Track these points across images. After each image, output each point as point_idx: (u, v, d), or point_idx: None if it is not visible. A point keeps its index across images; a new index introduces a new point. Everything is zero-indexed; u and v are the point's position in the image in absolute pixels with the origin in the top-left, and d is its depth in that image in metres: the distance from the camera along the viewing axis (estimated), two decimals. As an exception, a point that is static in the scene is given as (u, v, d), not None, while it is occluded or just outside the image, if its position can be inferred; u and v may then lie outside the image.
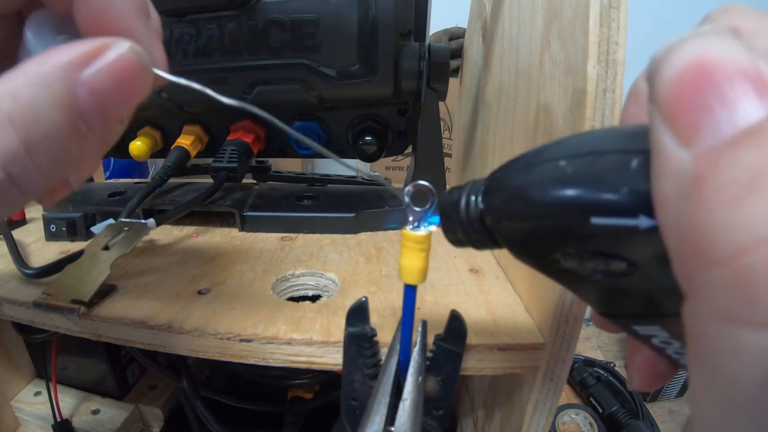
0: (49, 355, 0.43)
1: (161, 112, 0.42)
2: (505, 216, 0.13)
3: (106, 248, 0.29)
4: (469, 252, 0.34)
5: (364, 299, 0.22)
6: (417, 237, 0.18)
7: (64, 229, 0.36)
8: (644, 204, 0.09)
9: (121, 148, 0.45)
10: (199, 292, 0.27)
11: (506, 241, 0.14)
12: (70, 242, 0.36)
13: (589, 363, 0.61)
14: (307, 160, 0.90)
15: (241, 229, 0.38)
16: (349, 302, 0.22)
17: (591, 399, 0.56)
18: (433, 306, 0.26)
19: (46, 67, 0.13)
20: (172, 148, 0.40)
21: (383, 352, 0.22)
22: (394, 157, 0.62)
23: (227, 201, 0.39)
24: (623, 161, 0.10)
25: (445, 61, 0.36)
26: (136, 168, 0.74)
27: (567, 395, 0.59)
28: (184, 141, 0.41)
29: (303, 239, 0.36)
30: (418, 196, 0.18)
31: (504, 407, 0.29)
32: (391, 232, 0.38)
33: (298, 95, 0.37)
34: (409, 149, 0.42)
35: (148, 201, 0.38)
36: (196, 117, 0.42)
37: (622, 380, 0.58)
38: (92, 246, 0.29)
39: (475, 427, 0.36)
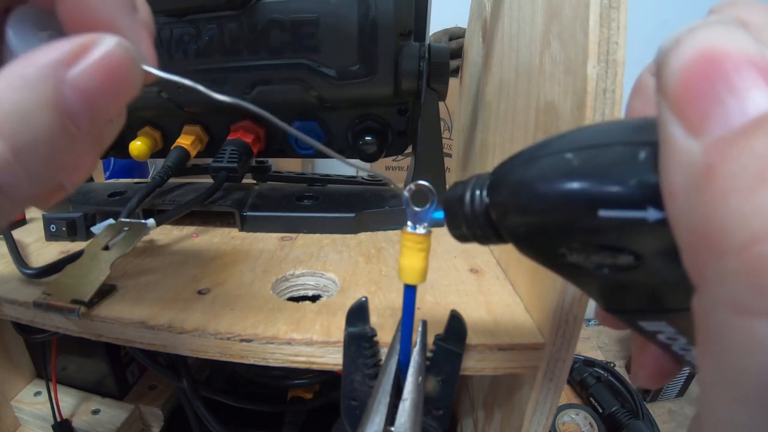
0: (49, 355, 0.43)
1: (161, 112, 0.42)
2: (510, 210, 0.13)
3: (106, 248, 0.29)
4: (469, 252, 0.34)
5: (364, 299, 0.22)
6: (417, 237, 0.18)
7: (64, 229, 0.36)
8: (652, 196, 0.09)
9: (121, 148, 0.45)
10: (199, 292, 0.27)
11: (511, 236, 0.14)
12: (70, 242, 0.36)
13: (589, 363, 0.61)
14: (307, 160, 0.90)
15: (241, 229, 0.38)
16: (349, 302, 0.22)
17: (591, 399, 0.56)
18: (433, 306, 0.26)
19: (30, 69, 0.12)
20: (172, 148, 0.40)
21: (383, 352, 0.22)
22: (394, 157, 0.62)
23: (227, 201, 0.39)
24: (630, 153, 0.10)
25: (445, 61, 0.36)
26: (136, 168, 0.74)
27: (567, 395, 0.59)
28: (184, 141, 0.41)
29: (303, 239, 0.36)
30: (418, 196, 0.18)
31: (504, 407, 0.29)
32: (391, 232, 0.38)
33: (298, 95, 0.37)
34: (409, 149, 0.42)
35: (148, 201, 0.38)
36: (196, 117, 0.42)
37: (622, 380, 0.58)
38: (92, 246, 0.29)
39: (475, 427, 0.36)
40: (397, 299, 0.27)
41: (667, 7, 0.96)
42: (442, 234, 0.38)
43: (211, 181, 0.38)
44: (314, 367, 0.23)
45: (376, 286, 0.29)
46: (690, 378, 0.57)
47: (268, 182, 0.50)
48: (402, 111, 0.40)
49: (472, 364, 0.23)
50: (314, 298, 0.28)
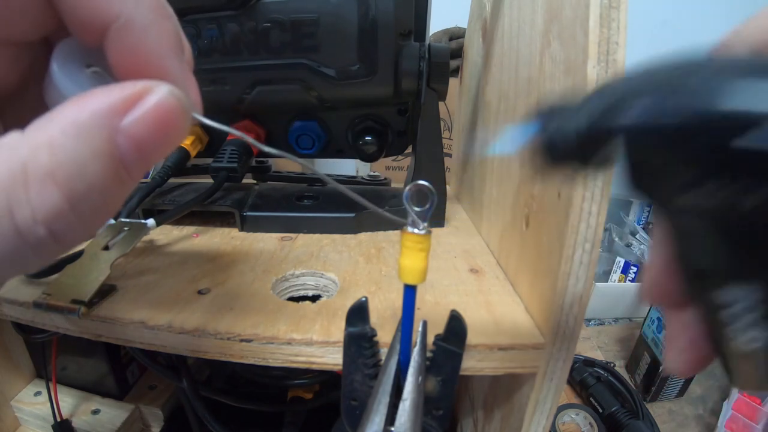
0: (49, 355, 0.43)
1: (161, 112, 0.42)
2: (638, 133, 0.11)
3: (106, 248, 0.29)
4: (469, 252, 0.34)
5: (364, 299, 0.22)
6: (417, 237, 0.18)
7: (64, 229, 0.35)
8: None
9: (121, 148, 0.45)
10: (199, 292, 0.27)
11: (628, 165, 0.12)
12: (70, 242, 0.36)
13: (589, 363, 0.61)
14: (307, 160, 0.90)
15: (241, 229, 0.38)
16: (349, 302, 0.22)
17: (591, 399, 0.56)
18: (433, 306, 0.26)
19: (84, 115, 0.12)
20: (172, 148, 0.40)
21: (383, 352, 0.22)
22: (394, 157, 0.62)
23: (227, 201, 0.39)
24: None
25: (445, 61, 0.36)
26: (136, 168, 0.74)
27: (567, 395, 0.59)
28: (184, 141, 0.41)
29: (303, 239, 0.36)
30: (418, 196, 0.18)
31: (504, 407, 0.29)
32: (391, 232, 0.38)
33: (298, 95, 0.37)
34: (409, 149, 0.42)
35: (148, 201, 0.38)
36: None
37: (622, 380, 0.58)
38: (92, 246, 0.29)
39: (475, 427, 0.36)
40: (397, 299, 0.27)
41: (667, 7, 0.96)
42: (442, 234, 0.38)
43: (211, 181, 0.38)
44: (314, 367, 0.23)
45: (376, 286, 0.29)
46: (690, 378, 0.57)
47: (268, 182, 0.50)
48: (402, 111, 0.40)
49: (472, 364, 0.23)
50: (314, 298, 0.28)
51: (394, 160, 0.90)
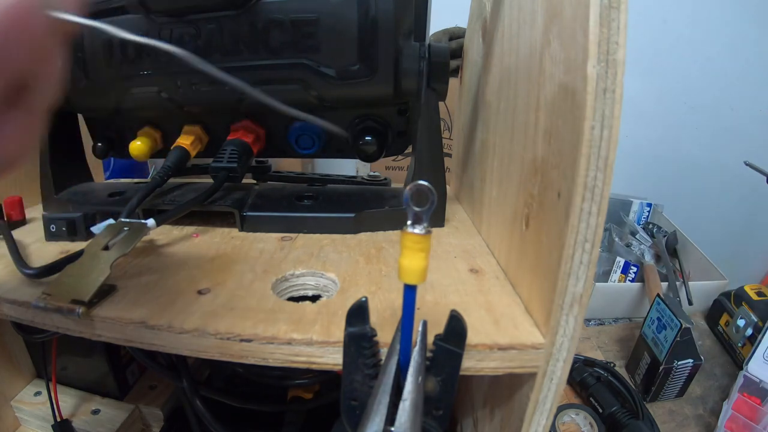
0: (49, 355, 0.43)
1: (161, 112, 0.42)
2: None
3: (106, 248, 0.29)
4: (469, 252, 0.34)
5: (364, 299, 0.22)
6: (417, 237, 0.18)
7: (64, 229, 0.36)
8: None
9: (121, 148, 0.45)
10: (199, 292, 0.27)
11: None
12: (70, 242, 0.36)
13: (589, 363, 0.61)
14: (307, 160, 0.90)
15: (241, 229, 0.38)
16: (349, 302, 0.22)
17: (591, 399, 0.56)
18: (433, 306, 0.26)
19: None
20: (172, 148, 0.40)
21: (383, 352, 0.22)
22: (394, 157, 0.62)
23: (227, 201, 0.39)
24: None
25: (445, 61, 0.36)
26: (136, 168, 0.74)
27: (567, 395, 0.59)
28: (184, 141, 0.41)
29: (303, 239, 0.36)
30: (418, 196, 0.18)
31: (504, 407, 0.29)
32: (391, 231, 0.38)
33: (298, 95, 0.37)
34: (409, 149, 0.42)
35: (148, 201, 0.38)
36: (196, 117, 0.42)
37: (622, 380, 0.58)
38: (92, 246, 0.29)
39: (475, 427, 0.36)
40: (397, 299, 0.27)
41: (667, 7, 0.96)
42: (442, 234, 0.38)
43: (211, 181, 0.38)
44: (314, 367, 0.23)
45: (376, 286, 0.29)
46: (690, 378, 0.57)
47: (268, 182, 0.50)
48: (402, 111, 0.40)
49: (472, 364, 0.23)
50: (314, 298, 0.28)
51: (394, 160, 0.90)
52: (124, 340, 0.25)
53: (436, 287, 0.29)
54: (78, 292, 0.25)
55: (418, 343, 0.21)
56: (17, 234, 0.37)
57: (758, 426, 0.51)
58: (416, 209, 0.18)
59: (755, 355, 0.55)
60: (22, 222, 0.41)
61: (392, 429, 0.18)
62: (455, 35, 0.84)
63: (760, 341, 0.56)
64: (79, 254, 0.29)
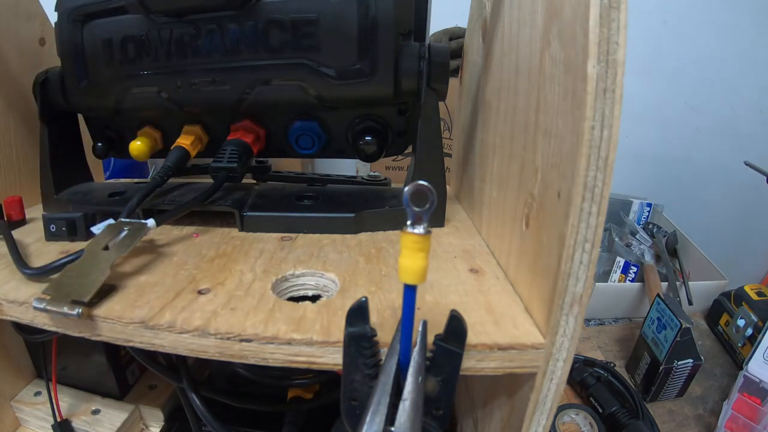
0: (49, 355, 0.43)
1: (161, 112, 0.42)
2: None
3: (106, 248, 0.29)
4: (469, 252, 0.34)
5: (364, 299, 0.22)
6: (417, 237, 0.18)
7: (64, 229, 0.36)
8: None
9: (121, 148, 0.45)
10: (199, 292, 0.27)
11: None
12: (70, 242, 0.36)
13: (589, 363, 0.61)
14: (307, 160, 0.90)
15: (241, 229, 0.38)
16: (349, 302, 0.22)
17: (591, 399, 0.56)
18: (433, 306, 0.26)
19: None
20: (172, 148, 0.40)
21: (383, 352, 0.22)
22: (394, 157, 0.62)
23: (227, 201, 0.39)
24: None
25: (445, 61, 0.36)
26: (136, 168, 0.74)
27: (567, 395, 0.59)
28: (184, 141, 0.41)
29: (303, 239, 0.36)
30: (418, 196, 0.18)
31: (504, 407, 0.29)
32: (391, 232, 0.38)
33: (298, 95, 0.37)
34: (409, 149, 0.42)
35: (148, 201, 0.38)
36: (196, 117, 0.42)
37: (622, 380, 0.58)
38: (92, 246, 0.29)
39: (475, 427, 0.36)
40: (397, 299, 0.27)
41: (667, 7, 0.96)
42: (442, 234, 0.38)
43: (211, 181, 0.38)
44: (314, 367, 0.23)
45: (376, 286, 0.29)
46: (690, 378, 0.57)
47: (268, 182, 0.50)
48: (402, 111, 0.40)
49: (472, 364, 0.23)
50: (314, 298, 0.28)
51: (394, 160, 0.90)
52: (124, 340, 0.25)
53: (436, 287, 0.29)
54: (78, 292, 0.25)
55: (418, 343, 0.21)
56: (17, 234, 0.37)
57: (758, 426, 0.51)
58: (416, 209, 0.18)
59: (755, 355, 0.55)
60: (22, 222, 0.41)
61: (392, 429, 0.18)
62: (455, 35, 0.84)
63: (760, 341, 0.56)
64: (79, 254, 0.29)
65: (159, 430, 0.47)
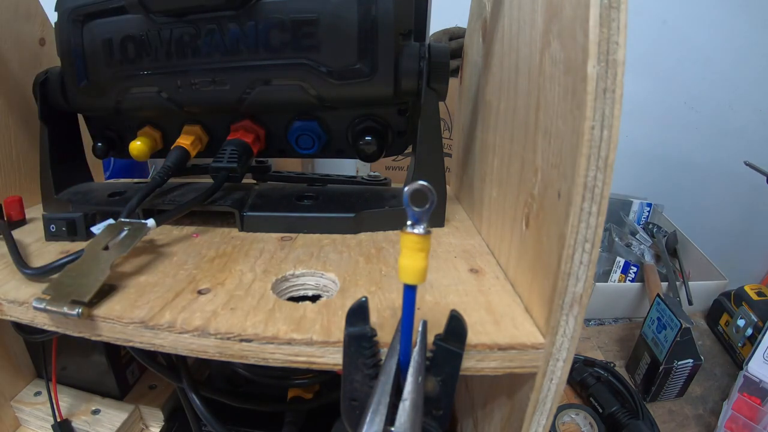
0: (49, 355, 0.43)
1: (161, 112, 0.42)
2: None
3: (106, 248, 0.29)
4: (469, 252, 0.34)
5: (364, 299, 0.22)
6: (417, 237, 0.18)
7: (64, 229, 0.36)
8: None
9: (121, 148, 0.45)
10: (199, 292, 0.27)
11: None
12: (70, 242, 0.36)
13: (589, 363, 0.61)
14: (307, 160, 0.90)
15: (241, 229, 0.38)
16: (349, 302, 0.22)
17: (591, 399, 0.56)
18: (433, 306, 0.26)
19: None
20: (172, 148, 0.40)
21: (383, 352, 0.22)
22: (394, 157, 0.62)
23: (227, 201, 0.39)
24: None
25: (445, 61, 0.36)
26: (136, 168, 0.74)
27: (567, 395, 0.59)
28: (184, 141, 0.41)
29: (303, 239, 0.36)
30: (418, 197, 0.18)
31: (504, 407, 0.29)
32: (391, 232, 0.38)
33: (297, 95, 0.37)
34: (409, 149, 0.42)
35: (148, 201, 0.38)
36: (196, 117, 0.42)
37: (622, 380, 0.58)
38: (92, 246, 0.29)
39: (475, 427, 0.36)
40: (397, 299, 0.27)
41: (667, 7, 0.96)
42: (442, 234, 0.38)
43: (211, 181, 0.38)
44: (314, 367, 0.23)
45: (376, 286, 0.29)
46: (690, 378, 0.57)
47: (268, 182, 0.50)
48: (402, 111, 0.40)
49: (472, 364, 0.23)
50: (314, 298, 0.28)
51: (394, 160, 0.90)
52: (124, 340, 0.25)
53: (436, 287, 0.29)
54: (78, 292, 0.25)
55: (418, 343, 0.21)
56: (17, 234, 0.37)
57: (758, 426, 0.51)
58: (416, 209, 0.18)
59: (755, 355, 0.55)
60: (22, 222, 0.41)
61: (392, 429, 0.18)
62: (455, 35, 0.84)
63: (760, 341, 0.56)
64: (79, 254, 0.29)
65: (159, 430, 0.47)
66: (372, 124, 0.40)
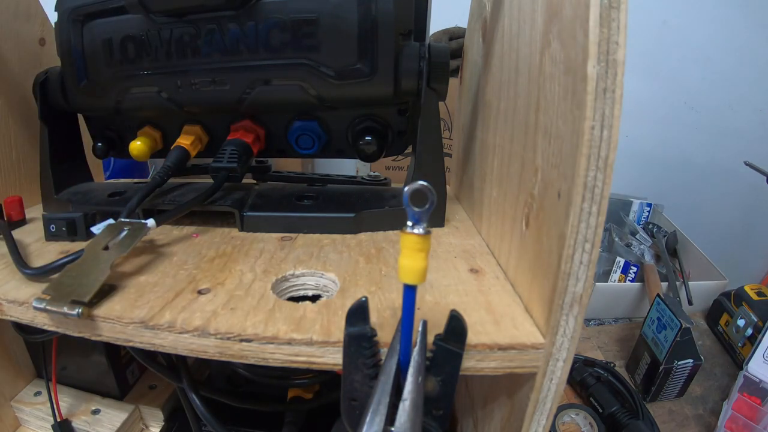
0: (49, 355, 0.43)
1: (161, 112, 0.42)
2: None
3: (106, 248, 0.29)
4: (469, 252, 0.34)
5: (364, 299, 0.22)
6: (417, 238, 0.18)
7: (64, 229, 0.36)
8: None
9: (121, 148, 0.45)
10: (199, 292, 0.27)
11: None
12: (70, 242, 0.36)
13: (589, 363, 0.61)
14: (307, 160, 0.90)
15: (241, 229, 0.38)
16: (349, 302, 0.22)
17: (591, 399, 0.56)
18: (433, 306, 0.26)
19: None
20: (172, 148, 0.40)
21: (383, 352, 0.22)
22: (394, 157, 0.62)
23: (227, 201, 0.39)
24: None
25: (445, 61, 0.36)
26: (136, 168, 0.74)
27: (567, 395, 0.59)
28: (184, 141, 0.41)
29: (303, 239, 0.36)
30: (418, 197, 0.18)
31: (504, 407, 0.29)
32: (391, 232, 0.38)
33: (297, 95, 0.37)
34: (409, 149, 0.42)
35: (148, 201, 0.38)
36: (196, 117, 0.42)
37: (622, 380, 0.58)
38: (92, 246, 0.29)
39: (475, 427, 0.36)
40: (397, 299, 0.27)
41: (667, 7, 0.96)
42: (442, 234, 0.38)
43: (211, 181, 0.38)
44: (314, 367, 0.23)
45: (376, 286, 0.29)
46: (690, 378, 0.57)
47: (268, 182, 0.50)
48: (402, 111, 0.40)
49: (472, 364, 0.23)
50: (314, 298, 0.28)
51: (394, 160, 0.90)
52: (124, 340, 0.25)
53: (436, 287, 0.29)
54: (78, 292, 0.25)
55: (418, 343, 0.21)
56: (17, 234, 0.37)
57: (758, 426, 0.51)
58: (416, 209, 0.18)
59: (755, 355, 0.55)
60: (22, 222, 0.41)
61: (392, 429, 0.18)
62: (455, 35, 0.84)
63: (760, 341, 0.56)
64: (79, 254, 0.29)
65: (159, 430, 0.47)
66: (372, 124, 0.40)
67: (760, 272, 1.03)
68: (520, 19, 0.28)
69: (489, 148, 0.36)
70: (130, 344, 0.25)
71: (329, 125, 0.41)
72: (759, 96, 1.01)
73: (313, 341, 0.23)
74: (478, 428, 0.35)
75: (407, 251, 0.18)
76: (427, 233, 0.18)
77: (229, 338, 0.23)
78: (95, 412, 0.46)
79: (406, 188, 0.18)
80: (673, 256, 0.84)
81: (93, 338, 0.26)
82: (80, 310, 0.24)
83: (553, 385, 0.23)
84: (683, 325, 0.54)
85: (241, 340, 0.23)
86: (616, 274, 0.81)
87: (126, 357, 0.48)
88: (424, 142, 0.37)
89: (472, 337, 0.23)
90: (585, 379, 0.58)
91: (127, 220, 0.32)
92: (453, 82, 0.40)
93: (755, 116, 1.02)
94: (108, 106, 0.40)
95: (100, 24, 0.37)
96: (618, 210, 0.96)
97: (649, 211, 0.96)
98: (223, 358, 0.24)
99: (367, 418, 0.18)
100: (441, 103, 0.38)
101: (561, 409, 0.55)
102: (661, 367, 0.56)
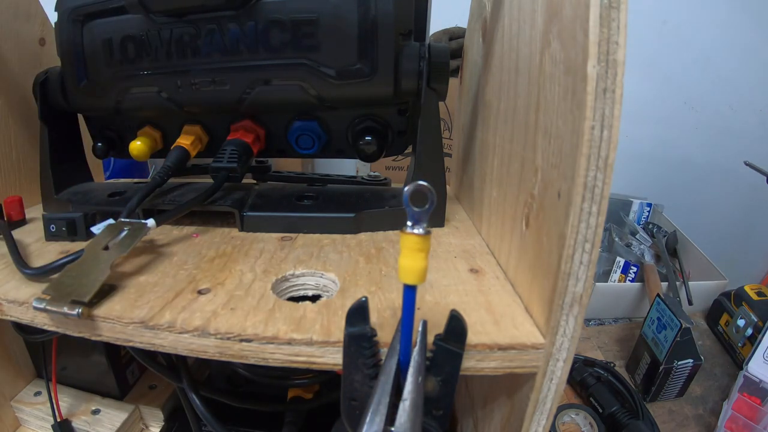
0: (49, 355, 0.43)
1: (161, 112, 0.42)
2: None
3: (106, 248, 0.29)
4: (469, 252, 0.34)
5: (364, 299, 0.22)
6: (416, 238, 0.18)
7: (64, 229, 0.36)
8: None
9: (121, 148, 0.45)
10: (199, 292, 0.27)
11: None
12: (70, 242, 0.36)
13: (589, 363, 0.61)
14: (307, 160, 0.90)
15: (241, 229, 0.38)
16: (349, 302, 0.22)
17: (591, 399, 0.56)
18: (433, 306, 0.26)
19: None
20: (172, 148, 0.40)
21: (383, 352, 0.22)
22: (394, 157, 0.62)
23: (227, 201, 0.39)
24: None
25: (445, 61, 0.36)
26: (136, 168, 0.74)
27: (567, 395, 0.59)
28: (184, 141, 0.41)
29: (303, 239, 0.36)
30: (418, 197, 0.18)
31: (504, 407, 0.29)
32: (391, 232, 0.38)
33: (297, 95, 0.37)
34: (409, 149, 0.42)
35: (148, 201, 0.38)
36: (196, 117, 0.42)
37: (622, 380, 0.58)
38: (92, 246, 0.29)
39: (475, 427, 0.36)
40: (397, 299, 0.27)
41: (667, 7, 0.96)
42: (442, 234, 0.38)
43: (211, 181, 0.38)
44: (314, 367, 0.23)
45: (376, 286, 0.29)
46: (690, 378, 0.57)
47: (268, 182, 0.50)
48: (402, 111, 0.40)
49: (472, 364, 0.23)
50: (314, 298, 0.28)
51: (394, 160, 0.90)
52: (124, 340, 0.25)
53: (436, 287, 0.29)
54: (78, 292, 0.25)
55: (418, 343, 0.21)
56: (17, 234, 0.37)
57: (758, 426, 0.51)
58: (416, 209, 0.18)
59: (755, 355, 0.55)
60: (22, 222, 0.41)
61: (392, 429, 0.18)
62: (455, 35, 0.84)
63: (760, 341, 0.56)
64: (79, 254, 0.29)
65: (159, 430, 0.47)
66: (372, 124, 0.40)
67: (760, 272, 1.03)
68: (520, 19, 0.28)
69: (489, 148, 0.36)
70: (130, 344, 0.25)
71: (329, 125, 0.41)
72: (759, 96, 1.01)
73: (313, 341, 0.23)
74: (478, 428, 0.35)
75: (407, 251, 0.18)
76: (427, 233, 0.18)
77: (229, 338, 0.23)
78: (95, 412, 0.46)
79: (406, 188, 0.18)
80: (673, 256, 0.84)
81: (93, 338, 0.26)
82: (80, 310, 0.24)
83: (553, 385, 0.23)
84: (683, 325, 0.54)
85: (241, 340, 0.23)
86: (616, 274, 0.81)
87: (126, 357, 0.48)
88: (424, 142, 0.37)
89: (472, 337, 0.23)
90: (585, 379, 0.58)
91: (127, 220, 0.32)
92: (453, 82, 0.40)
93: (755, 116, 1.02)
94: (108, 106, 0.40)
95: (100, 24, 0.37)
96: (618, 210, 0.96)
97: (649, 211, 0.96)
98: (223, 358, 0.24)
99: (367, 418, 0.18)
100: (441, 103, 0.38)
101: (561, 409, 0.55)
102: (661, 367, 0.56)
